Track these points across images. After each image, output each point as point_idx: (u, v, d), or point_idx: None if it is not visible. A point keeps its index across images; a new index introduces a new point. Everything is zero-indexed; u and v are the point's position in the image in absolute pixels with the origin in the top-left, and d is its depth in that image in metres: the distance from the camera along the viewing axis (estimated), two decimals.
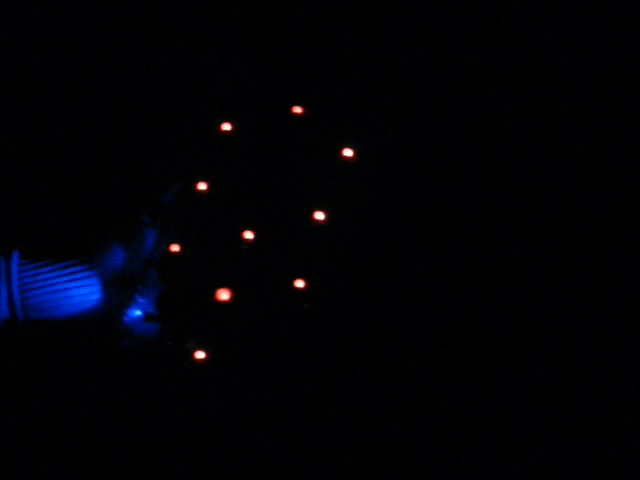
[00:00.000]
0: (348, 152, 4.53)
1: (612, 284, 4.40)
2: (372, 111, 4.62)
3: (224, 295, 4.27)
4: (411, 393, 4.25)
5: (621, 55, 4.69)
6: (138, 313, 4.30)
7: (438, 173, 4.53)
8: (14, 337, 4.23)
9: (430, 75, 4.65)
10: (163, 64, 4.65)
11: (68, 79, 4.63)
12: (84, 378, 4.20)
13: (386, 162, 4.54)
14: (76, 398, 4.18)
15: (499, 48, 4.67)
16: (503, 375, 4.26)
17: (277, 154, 4.53)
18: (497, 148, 4.57)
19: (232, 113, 4.59)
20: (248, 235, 4.38)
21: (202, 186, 4.47)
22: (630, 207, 4.51)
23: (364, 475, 4.08)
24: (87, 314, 4.30)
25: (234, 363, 4.23)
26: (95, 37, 4.67)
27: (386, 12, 4.70)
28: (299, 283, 4.32)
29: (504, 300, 4.36)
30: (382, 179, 4.52)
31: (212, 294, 4.28)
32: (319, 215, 4.41)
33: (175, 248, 4.36)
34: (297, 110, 4.59)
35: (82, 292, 4.30)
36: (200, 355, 4.20)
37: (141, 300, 4.31)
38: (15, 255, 4.25)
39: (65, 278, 4.29)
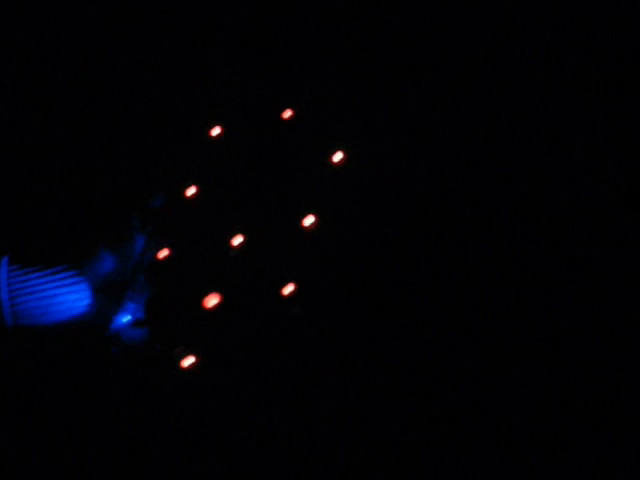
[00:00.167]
0: (338, 157, 4.51)
1: (612, 284, 4.40)
2: (362, 116, 4.60)
3: (213, 300, 4.27)
4: (402, 397, 4.24)
5: (621, 55, 4.67)
6: (127, 318, 4.30)
7: (428, 178, 4.51)
8: (3, 343, 4.24)
9: (420, 80, 4.63)
10: (152, 70, 4.65)
11: (57, 88, 4.63)
12: (73, 383, 4.22)
13: (376, 167, 4.53)
14: (66, 403, 4.20)
15: (489, 53, 4.65)
16: (499, 381, 4.26)
17: (266, 159, 4.53)
18: (488, 153, 4.55)
19: (222, 118, 4.58)
20: (237, 240, 4.37)
21: (191, 191, 4.47)
22: (630, 207, 4.50)
23: None
24: (77, 320, 4.30)
25: (223, 368, 4.23)
26: (82, 48, 4.67)
27: (375, 19, 4.68)
28: (288, 288, 4.31)
29: (498, 304, 4.35)
30: (371, 184, 4.51)
31: (201, 299, 4.28)
32: (308, 220, 4.41)
33: (164, 253, 4.36)
34: (287, 115, 4.58)
35: (72, 298, 4.31)
36: (189, 360, 4.20)
37: (130, 305, 4.32)
38: (4, 261, 4.27)
39: (55, 284, 4.30)
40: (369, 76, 4.65)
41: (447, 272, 4.37)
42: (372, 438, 4.19)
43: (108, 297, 4.34)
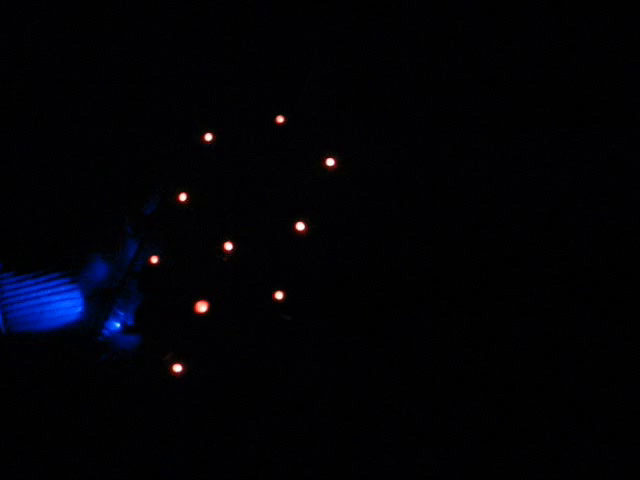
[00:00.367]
0: (330, 162, 4.51)
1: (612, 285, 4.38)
2: (354, 121, 4.59)
3: (203, 306, 4.29)
4: (395, 402, 4.25)
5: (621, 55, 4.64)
6: (117, 325, 4.33)
7: (420, 183, 4.50)
8: None
9: (414, 86, 4.62)
10: (144, 77, 4.66)
11: (50, 96, 4.66)
12: (66, 390, 4.25)
13: (367, 172, 4.52)
14: (59, 409, 4.24)
15: (486, 57, 4.63)
16: (500, 389, 4.26)
17: (258, 164, 4.53)
18: (483, 160, 4.53)
19: (214, 123, 4.59)
20: (228, 246, 4.38)
21: (183, 197, 4.48)
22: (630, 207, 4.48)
23: None
24: (70, 327, 4.34)
25: (213, 374, 4.25)
26: (74, 55, 4.70)
27: (368, 24, 4.67)
28: (278, 294, 4.32)
29: (494, 316, 4.35)
30: (363, 190, 4.50)
31: (192, 305, 4.30)
32: (299, 226, 4.41)
33: (155, 260, 4.38)
34: (279, 120, 4.58)
35: (65, 305, 4.35)
36: (179, 366, 4.22)
37: (121, 312, 4.34)
38: None
39: (48, 291, 4.34)
40: (361, 81, 4.65)
41: (440, 279, 4.36)
42: (364, 444, 4.20)
43: (100, 304, 4.37)
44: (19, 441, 4.20)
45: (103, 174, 4.53)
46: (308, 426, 4.20)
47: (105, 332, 4.33)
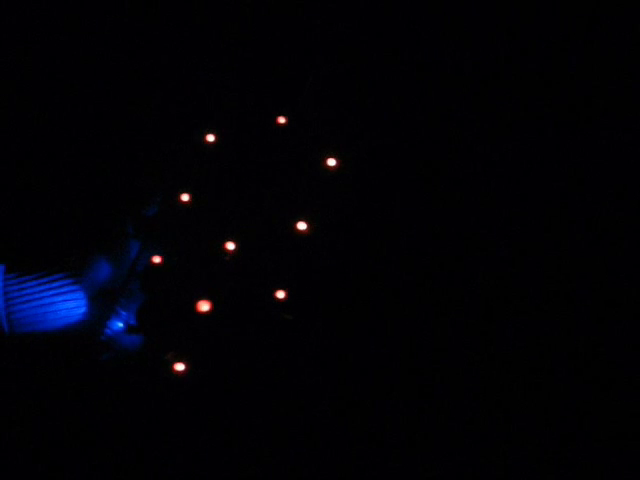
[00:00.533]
0: (331, 162, 4.52)
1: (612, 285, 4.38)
2: (356, 121, 4.61)
3: (204, 306, 4.30)
4: (396, 402, 4.26)
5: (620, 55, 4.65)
6: (120, 325, 4.35)
7: (421, 183, 4.51)
8: (0, 350, 4.31)
9: (414, 86, 4.63)
10: (145, 78, 4.69)
11: (53, 96, 4.69)
12: (69, 390, 4.27)
13: (369, 172, 4.53)
14: (61, 410, 4.25)
15: (487, 57, 4.64)
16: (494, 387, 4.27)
17: (260, 165, 4.55)
18: (485, 160, 4.54)
19: (216, 124, 4.61)
20: (230, 246, 4.40)
21: (185, 197, 4.50)
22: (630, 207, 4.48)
23: None
24: (73, 327, 4.36)
25: (214, 374, 4.26)
26: (75, 56, 4.73)
27: (367, 26, 4.69)
28: (280, 294, 4.33)
29: (496, 314, 4.36)
30: (365, 189, 4.52)
31: (193, 305, 4.31)
32: (301, 225, 4.42)
33: (157, 259, 4.40)
34: (280, 121, 4.60)
35: (68, 306, 4.36)
36: (181, 366, 4.24)
37: (123, 312, 4.36)
38: (0, 269, 4.33)
39: (51, 292, 4.35)
40: (362, 82, 4.66)
41: (442, 278, 4.37)
42: (365, 443, 4.21)
43: (103, 304, 4.39)
44: (22, 440, 4.22)
45: (105, 175, 4.55)
46: (310, 426, 4.21)
47: (108, 332, 4.35)
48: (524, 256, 4.37)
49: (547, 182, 4.51)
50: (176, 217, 4.48)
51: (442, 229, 4.42)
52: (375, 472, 4.17)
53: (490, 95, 4.60)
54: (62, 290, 4.36)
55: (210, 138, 4.59)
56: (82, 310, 4.37)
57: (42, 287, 4.34)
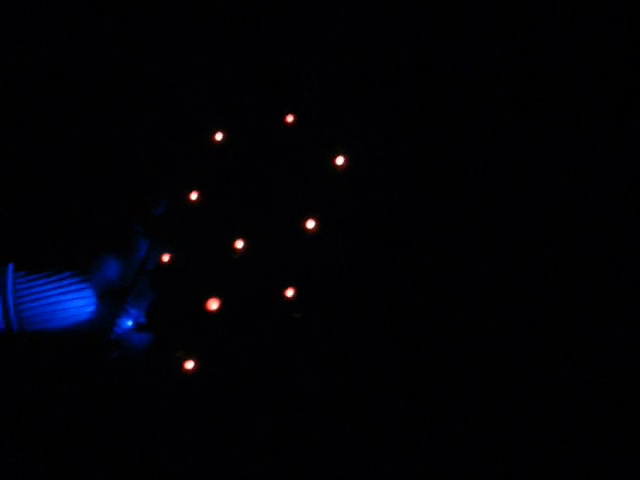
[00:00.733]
0: (340, 160, 4.52)
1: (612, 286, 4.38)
2: (364, 119, 4.61)
3: (214, 305, 4.31)
4: (403, 401, 4.26)
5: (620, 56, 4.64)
6: (129, 323, 4.36)
7: (430, 182, 4.51)
8: (9, 349, 4.32)
9: (424, 84, 4.63)
10: (154, 75, 4.69)
11: (62, 94, 4.70)
12: (78, 388, 4.28)
13: (377, 170, 4.53)
14: (70, 408, 4.27)
15: (492, 55, 4.63)
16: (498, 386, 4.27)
17: (269, 163, 4.55)
18: (493, 157, 4.53)
19: (224, 122, 4.61)
20: (239, 244, 4.40)
21: (194, 195, 4.51)
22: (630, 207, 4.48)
23: None
24: (82, 325, 4.37)
25: (224, 372, 4.27)
26: (84, 50, 4.73)
27: (376, 23, 4.69)
28: (289, 292, 4.34)
29: (497, 308, 4.35)
30: (373, 187, 4.51)
31: (203, 303, 4.32)
32: (310, 224, 4.42)
33: (166, 258, 4.41)
34: (289, 119, 4.60)
35: (77, 304, 4.37)
36: (190, 364, 4.24)
37: (132, 310, 4.37)
38: (10, 268, 4.34)
39: (60, 290, 4.37)
40: (371, 79, 4.66)
41: (450, 276, 4.36)
42: (374, 441, 4.21)
43: (112, 302, 4.40)
44: (32, 439, 4.23)
45: (115, 174, 4.56)
46: (319, 424, 4.22)
47: (117, 330, 4.36)
48: (535, 257, 4.37)
49: (551, 182, 4.51)
50: (185, 215, 4.48)
51: (455, 227, 4.41)
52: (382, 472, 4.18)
53: (498, 91, 4.59)
54: (71, 288, 4.37)
55: (218, 137, 4.59)
56: (91, 308, 4.39)
57: (51, 285, 4.35)
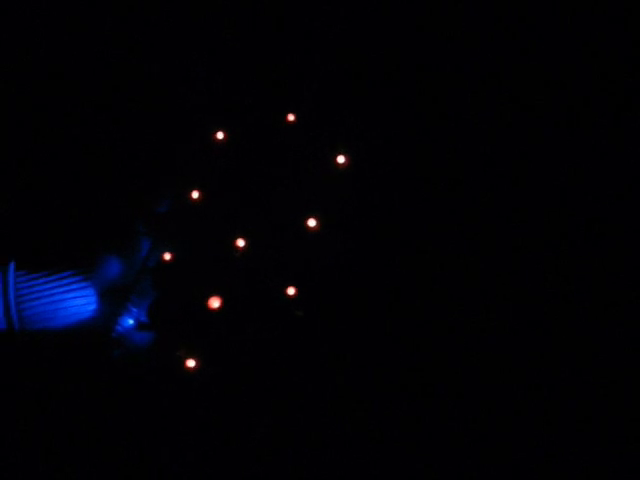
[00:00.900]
0: (341, 159, 4.53)
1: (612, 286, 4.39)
2: (365, 119, 4.61)
3: (215, 303, 4.31)
4: (403, 399, 4.27)
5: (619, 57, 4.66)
6: (131, 322, 4.36)
7: (430, 181, 4.52)
8: (11, 347, 4.32)
9: (424, 84, 4.64)
10: (156, 76, 4.69)
11: (64, 95, 4.70)
12: (79, 386, 4.29)
13: (379, 169, 4.54)
14: (72, 406, 4.27)
15: (493, 56, 4.64)
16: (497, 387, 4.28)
17: (270, 162, 4.56)
18: (493, 157, 4.55)
19: (225, 122, 4.61)
20: (240, 243, 4.41)
21: (196, 195, 4.51)
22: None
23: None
24: (83, 324, 4.37)
25: (225, 370, 4.27)
26: (87, 50, 4.74)
27: (376, 23, 4.70)
28: (290, 290, 4.34)
29: (498, 307, 4.36)
30: (374, 186, 4.52)
31: (204, 302, 4.32)
32: (311, 222, 4.43)
33: (168, 256, 4.41)
34: (290, 118, 4.60)
35: (78, 303, 4.38)
36: (191, 362, 4.25)
37: (134, 309, 4.37)
38: (11, 266, 4.34)
39: (62, 289, 4.37)
40: (372, 79, 4.67)
41: (449, 275, 4.37)
42: (374, 439, 4.22)
43: (114, 300, 4.40)
44: (34, 437, 4.23)
45: (116, 173, 4.56)
46: (321, 422, 4.22)
47: (119, 328, 4.36)
48: (535, 257, 4.39)
49: (551, 182, 4.52)
50: (187, 214, 4.49)
51: (455, 227, 4.42)
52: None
53: (500, 90, 4.60)
54: (72, 287, 4.37)
55: (220, 136, 4.59)
56: (92, 307, 4.39)
57: (52, 284, 4.36)
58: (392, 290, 4.37)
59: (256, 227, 4.44)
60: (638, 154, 4.54)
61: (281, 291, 4.34)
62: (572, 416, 4.20)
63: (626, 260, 4.40)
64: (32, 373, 4.30)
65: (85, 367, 4.31)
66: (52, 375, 4.30)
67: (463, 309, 4.32)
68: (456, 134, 4.54)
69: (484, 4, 4.69)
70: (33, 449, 4.22)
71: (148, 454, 4.20)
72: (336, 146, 4.54)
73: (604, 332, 4.31)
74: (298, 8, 4.75)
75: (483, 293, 4.33)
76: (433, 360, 4.26)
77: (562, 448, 4.17)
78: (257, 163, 4.56)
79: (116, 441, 4.22)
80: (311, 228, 4.42)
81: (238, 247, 4.41)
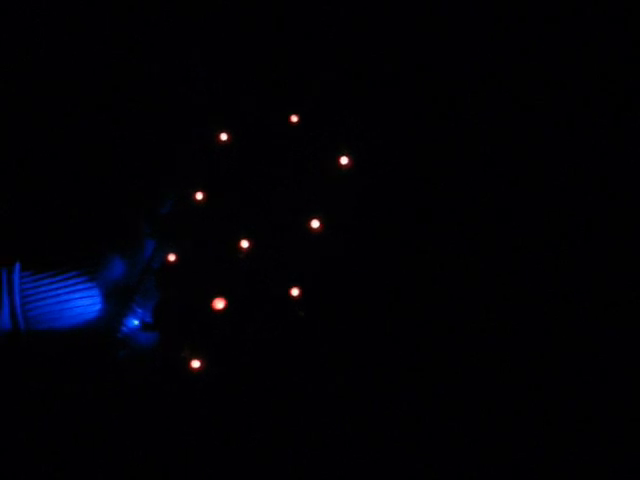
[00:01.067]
0: (344, 160, 4.55)
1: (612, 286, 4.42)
2: (368, 120, 4.63)
3: (219, 304, 4.33)
4: (406, 399, 4.29)
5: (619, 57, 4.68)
6: (136, 322, 4.38)
7: (433, 182, 4.54)
8: (16, 348, 4.33)
9: (428, 85, 4.66)
10: (159, 76, 4.71)
11: (68, 94, 4.71)
12: (84, 387, 4.30)
13: (381, 170, 4.56)
14: (77, 406, 4.28)
15: (486, 56, 4.67)
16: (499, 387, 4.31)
17: (273, 163, 4.58)
18: (496, 159, 4.57)
19: (229, 123, 4.63)
20: (244, 244, 4.43)
21: (199, 196, 4.53)
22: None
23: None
24: (88, 324, 4.39)
25: (229, 371, 4.29)
26: (88, 50, 4.75)
27: (379, 24, 4.71)
28: (294, 291, 4.36)
29: (499, 308, 4.39)
30: (377, 187, 4.54)
31: (209, 302, 4.34)
32: (314, 223, 4.45)
33: (172, 257, 4.43)
34: (293, 119, 4.62)
35: (84, 303, 4.39)
36: (196, 363, 4.27)
37: (138, 310, 4.39)
38: (17, 267, 4.36)
39: (67, 289, 4.38)
40: (375, 79, 4.69)
41: (452, 277, 4.40)
42: (378, 439, 4.24)
43: (119, 301, 4.42)
44: (39, 438, 4.25)
45: (121, 173, 4.58)
46: (324, 423, 4.24)
47: (124, 329, 4.38)
48: (535, 257, 4.41)
49: (551, 182, 4.55)
50: (191, 215, 4.51)
51: (458, 228, 4.44)
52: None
53: (498, 93, 4.63)
54: (78, 287, 4.39)
55: (223, 137, 4.61)
56: (98, 307, 4.41)
57: (58, 284, 4.37)
58: (395, 291, 4.39)
59: (260, 228, 4.46)
60: (638, 154, 4.57)
61: (285, 292, 4.36)
62: (572, 416, 4.22)
63: (626, 260, 4.42)
64: (37, 373, 4.32)
65: (90, 367, 4.32)
66: (57, 375, 4.31)
67: (464, 309, 4.35)
68: (459, 134, 4.56)
69: (484, 4, 4.71)
70: (39, 449, 4.23)
71: (153, 454, 4.21)
72: (339, 147, 4.56)
73: (604, 332, 4.33)
74: (299, 8, 4.77)
75: (484, 293, 4.36)
76: (433, 360, 4.28)
77: (562, 448, 4.19)
78: (261, 164, 4.58)
79: (121, 441, 4.23)
80: (314, 229, 4.44)
81: (242, 248, 4.43)
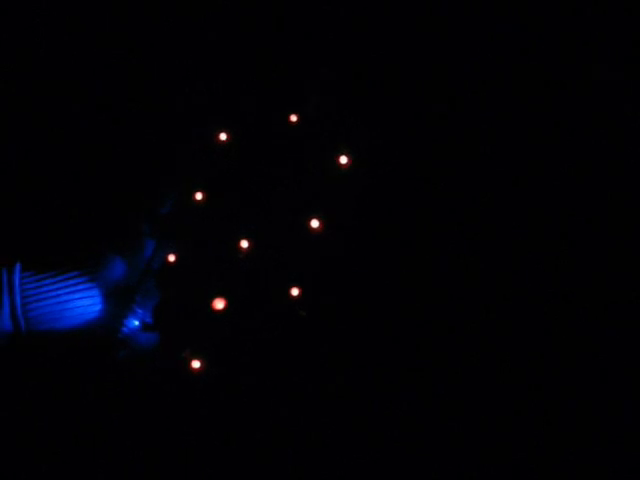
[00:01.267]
0: (344, 159, 4.55)
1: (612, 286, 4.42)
2: (368, 119, 4.63)
3: (220, 304, 4.34)
4: (406, 399, 4.29)
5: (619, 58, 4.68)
6: (136, 323, 4.39)
7: (433, 181, 4.54)
8: (17, 349, 4.34)
9: (427, 84, 4.65)
10: (158, 76, 4.71)
11: (68, 93, 4.71)
12: (85, 387, 4.31)
13: (381, 170, 4.56)
14: (77, 407, 4.29)
15: (486, 56, 4.66)
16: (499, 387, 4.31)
17: (273, 162, 4.58)
18: (496, 158, 4.57)
19: (228, 122, 4.63)
20: (244, 244, 4.43)
21: (199, 196, 4.53)
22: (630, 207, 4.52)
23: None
24: (89, 325, 4.39)
25: (230, 371, 4.30)
26: (88, 50, 4.75)
27: (380, 23, 4.71)
28: (294, 291, 4.37)
29: (497, 308, 4.39)
30: (377, 187, 4.54)
31: (209, 302, 4.34)
32: (314, 223, 4.45)
33: (172, 258, 4.43)
34: (293, 118, 4.62)
35: (84, 303, 4.40)
36: (197, 363, 4.27)
37: (139, 310, 4.40)
38: (17, 267, 4.36)
39: (67, 290, 4.39)
40: (374, 79, 4.69)
41: (452, 277, 4.40)
42: (378, 439, 4.25)
43: (119, 302, 4.42)
44: (38, 439, 4.25)
45: (120, 174, 4.58)
46: (325, 423, 4.25)
47: (124, 329, 4.38)
48: (535, 257, 4.41)
49: (551, 182, 4.55)
50: (190, 215, 4.51)
51: (458, 228, 4.44)
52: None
53: (498, 93, 4.63)
54: (78, 288, 4.39)
55: (223, 137, 4.61)
56: (98, 308, 4.41)
57: (58, 285, 4.37)
58: (395, 291, 4.39)
59: (260, 228, 4.46)
60: (638, 154, 4.57)
61: (285, 292, 4.36)
62: (572, 416, 4.23)
63: (626, 260, 4.42)
64: (38, 373, 4.32)
65: (90, 368, 4.32)
66: (58, 376, 4.32)
67: (464, 309, 4.35)
68: (459, 134, 4.56)
69: (484, 4, 4.71)
70: (39, 449, 4.23)
71: (153, 454, 4.21)
72: (339, 146, 4.56)
73: (604, 332, 4.33)
74: (299, 8, 4.77)
75: (484, 293, 4.36)
76: (434, 360, 4.29)
77: (562, 448, 4.19)
78: (260, 164, 4.58)
79: (121, 441, 4.23)
80: (314, 229, 4.44)
81: (242, 248, 4.43)
